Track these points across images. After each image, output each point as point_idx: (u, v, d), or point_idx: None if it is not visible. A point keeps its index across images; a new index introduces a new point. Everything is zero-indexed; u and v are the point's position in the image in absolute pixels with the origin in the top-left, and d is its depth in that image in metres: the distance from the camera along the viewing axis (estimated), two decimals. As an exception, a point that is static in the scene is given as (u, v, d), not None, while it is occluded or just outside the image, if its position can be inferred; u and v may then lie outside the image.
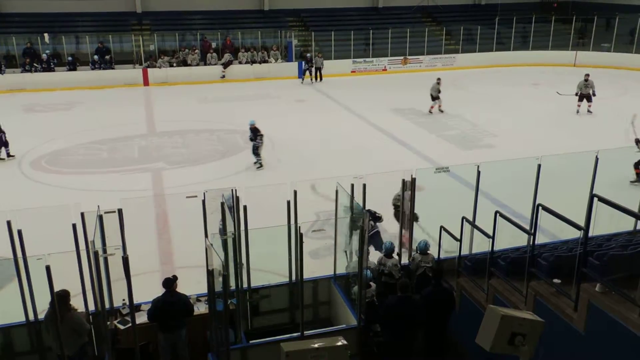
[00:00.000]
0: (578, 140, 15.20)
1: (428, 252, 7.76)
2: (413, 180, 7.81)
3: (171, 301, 6.43)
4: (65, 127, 17.68)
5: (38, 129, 17.58)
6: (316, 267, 8.34)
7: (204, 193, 7.01)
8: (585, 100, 18.81)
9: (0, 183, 13.38)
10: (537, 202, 6.72)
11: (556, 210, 5.93)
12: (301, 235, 6.51)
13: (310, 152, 15.40)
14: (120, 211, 6.60)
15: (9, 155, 14.97)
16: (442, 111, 19.47)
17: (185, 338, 6.63)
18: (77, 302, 6.47)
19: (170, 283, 6.51)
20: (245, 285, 7.47)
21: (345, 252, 7.91)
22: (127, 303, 6.41)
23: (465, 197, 10.07)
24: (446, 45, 29.21)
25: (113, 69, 24.84)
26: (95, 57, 24.59)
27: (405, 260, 8.12)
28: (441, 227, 7.85)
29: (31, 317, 6.67)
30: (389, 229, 9.97)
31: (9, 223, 6.35)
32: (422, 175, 8.03)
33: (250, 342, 6.60)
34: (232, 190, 7.40)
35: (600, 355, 5.23)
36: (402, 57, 27.87)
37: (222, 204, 7.07)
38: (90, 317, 6.61)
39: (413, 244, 8.13)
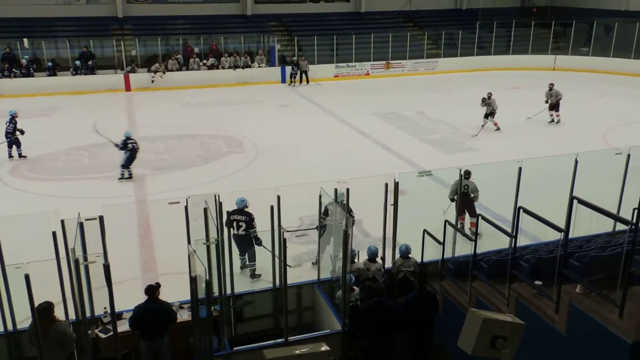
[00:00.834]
0: (557, 143, 15.40)
1: (409, 256, 7.79)
2: (396, 185, 7.84)
3: (153, 308, 6.36)
4: (45, 133, 17.44)
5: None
6: (300, 272, 8.34)
7: (187, 199, 6.96)
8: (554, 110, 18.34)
9: (-22, 191, 13.16)
10: (518, 205, 6.80)
11: (537, 213, 6.00)
12: (285, 240, 6.51)
13: (293, 156, 15.39)
14: (101, 218, 6.52)
15: (20, 155, 15.13)
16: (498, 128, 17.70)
17: (168, 346, 6.57)
18: (57, 311, 6.38)
19: (152, 290, 6.44)
20: (228, 291, 7.43)
21: (330, 256, 7.93)
22: (109, 311, 6.33)
23: (447, 201, 10.17)
24: (428, 50, 29.43)
25: (94, 74, 24.61)
26: (78, 62, 24.33)
27: (388, 264, 8.14)
28: (424, 230, 7.89)
29: (10, 327, 6.56)
30: (373, 233, 9.98)
31: (-13, 231, 6.25)
32: (405, 179, 8.07)
33: (234, 348, 6.57)
34: (215, 195, 7.37)
35: (581, 356, 5.28)
36: (384, 62, 28.02)
37: (205, 209, 7.03)
38: (71, 326, 6.51)
39: (396, 247, 8.16)
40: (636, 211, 4.68)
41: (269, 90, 24.87)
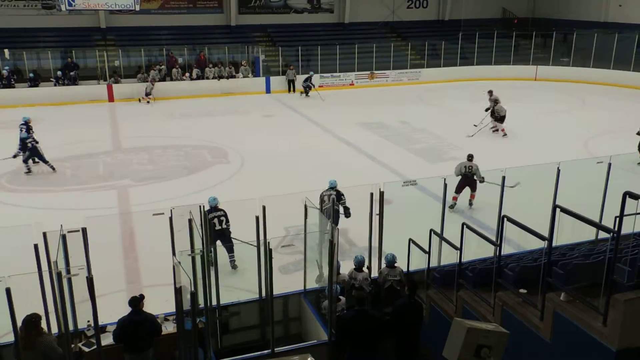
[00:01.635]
0: (540, 153, 15.57)
1: (395, 265, 7.81)
2: (381, 194, 7.88)
3: (137, 320, 6.29)
4: (26, 145, 17.23)
5: (-2, 147, 17.12)
6: (286, 283, 8.31)
7: (171, 210, 6.92)
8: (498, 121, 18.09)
9: (-42, 203, 12.94)
10: (502, 214, 6.86)
11: (521, 221, 6.06)
12: (270, 250, 6.49)
13: (278, 167, 15.38)
14: (84, 230, 6.45)
15: (34, 161, 15.18)
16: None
17: (153, 358, 6.49)
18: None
19: (136, 302, 6.36)
20: (214, 303, 7.38)
21: (317, 261, 7.91)
22: (92, 324, 6.24)
23: (433, 210, 10.22)
24: (411, 60, 29.68)
25: (77, 84, 24.41)
26: (59, 72, 24.14)
27: (374, 273, 8.14)
28: (410, 239, 7.92)
29: (-9, 341, 6.44)
30: (359, 242, 10.00)
31: (-33, 244, 6.15)
32: (390, 189, 8.11)
33: (220, 360, 6.51)
34: (200, 206, 7.33)
35: (566, 363, 5.32)
36: (369, 72, 28.19)
37: (190, 220, 6.99)
38: (57, 340, 6.41)
39: (382, 257, 8.17)
40: (617, 219, 4.74)
41: (253, 100, 24.88)
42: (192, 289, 5.63)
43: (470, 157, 12.32)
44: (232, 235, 9.35)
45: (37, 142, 14.89)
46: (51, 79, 24.24)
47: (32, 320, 5.64)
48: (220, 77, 26.13)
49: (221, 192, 13.31)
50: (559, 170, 8.28)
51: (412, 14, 33.18)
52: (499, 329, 3.62)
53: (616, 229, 4.74)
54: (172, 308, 6.46)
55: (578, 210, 5.45)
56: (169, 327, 6.90)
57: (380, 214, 7.98)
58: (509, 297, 6.02)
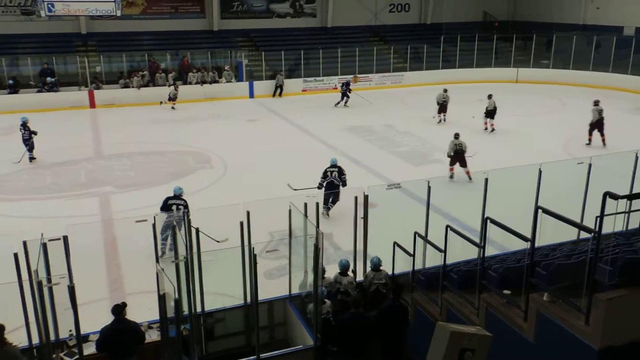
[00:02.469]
0: (521, 154, 15.72)
1: (381, 268, 7.82)
2: (366, 198, 7.89)
3: (120, 329, 6.20)
4: (6, 153, 16.99)
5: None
6: (271, 288, 8.28)
7: (154, 217, 6.86)
8: (443, 112, 20.71)
9: None
10: (485, 215, 6.90)
11: (504, 222, 6.10)
12: (255, 256, 6.45)
13: (263, 171, 15.33)
14: (65, 238, 6.36)
15: (31, 158, 16.11)
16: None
17: (137, 367, 6.42)
18: (20, 336, 6.18)
19: (119, 310, 6.28)
20: (198, 309, 7.32)
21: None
22: (74, 334, 6.16)
23: (417, 212, 10.25)
24: (394, 64, 29.83)
25: (57, 91, 24.14)
26: (49, 79, 23.83)
27: (359, 277, 8.15)
28: (394, 242, 7.94)
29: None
30: (344, 246, 10.00)
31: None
32: (375, 192, 8.13)
33: (205, 367, 6.46)
34: (183, 213, 7.29)
35: (550, 363, 5.36)
36: (352, 76, 28.27)
37: (174, 227, 6.94)
38: (35, 350, 6.30)
39: (367, 260, 8.18)
40: (598, 219, 4.79)
41: (237, 105, 24.80)
42: (176, 296, 5.58)
43: (457, 135, 14.40)
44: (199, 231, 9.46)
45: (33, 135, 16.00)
46: (31, 83, 23.93)
47: None
48: (203, 82, 26.01)
49: (205, 197, 13.28)
50: (540, 172, 8.36)
51: (394, 18, 33.38)
52: (481, 332, 3.65)
53: (597, 229, 4.79)
54: (155, 315, 6.40)
55: (560, 210, 5.50)
56: (152, 335, 6.83)
57: (365, 218, 7.99)
58: (493, 298, 6.05)
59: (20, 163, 15.93)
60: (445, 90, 20.88)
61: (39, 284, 5.46)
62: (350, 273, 7.95)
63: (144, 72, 25.49)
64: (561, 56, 29.26)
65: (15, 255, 6.08)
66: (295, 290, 7.86)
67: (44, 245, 6.13)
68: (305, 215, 7.34)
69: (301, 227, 7.59)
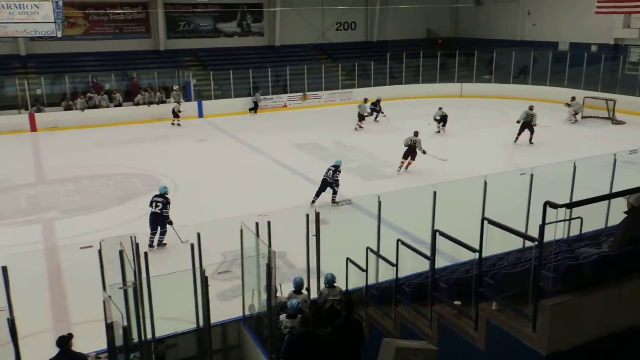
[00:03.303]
0: (467, 167, 16.13)
1: (335, 284, 7.82)
2: (317, 215, 7.89)
3: (66, 361, 5.97)
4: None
5: None
6: (225, 310, 8.14)
7: (100, 242, 6.65)
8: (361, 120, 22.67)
9: None
10: (435, 228, 7.02)
11: (453, 234, 6.22)
12: (206, 278, 6.34)
13: (213, 191, 15.15)
14: (4, 269, 6.07)
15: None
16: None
17: (85, 400, 6.16)
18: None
19: (64, 341, 6.04)
20: (149, 336, 7.11)
21: (253, 290, 7.80)
22: (16, 369, 5.86)
23: (368, 228, 10.34)
24: (343, 81, 30.23)
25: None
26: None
27: (314, 294, 8.12)
28: (347, 258, 7.97)
29: None
30: (297, 264, 9.97)
31: None
32: (326, 209, 8.18)
33: (158, 396, 6.26)
34: (131, 237, 7.09)
35: (501, 371, 5.46)
36: (301, 94, 28.47)
37: (121, 252, 6.74)
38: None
39: (321, 277, 8.17)
40: (540, 228, 4.95)
41: (185, 125, 24.48)
42: (125, 323, 5.42)
43: (415, 133, 16.67)
44: (169, 223, 11.43)
45: None
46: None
47: None
48: (150, 102, 25.58)
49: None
50: (485, 183, 8.59)
51: (341, 36, 33.93)
52: (427, 346, 3.70)
53: (539, 237, 4.94)
54: (104, 345, 6.17)
55: (506, 220, 5.66)
56: (101, 366, 6.59)
57: (317, 235, 7.99)
58: (445, 309, 6.13)
59: None
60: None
61: (-24, 318, 5.19)
62: (304, 291, 7.91)
63: (92, 95, 24.85)
64: (502, 71, 30.41)
65: (-50, 289, 5.77)
66: (249, 311, 7.76)
67: (-18, 277, 5.84)
68: (257, 234, 7.28)
69: (253, 247, 7.52)
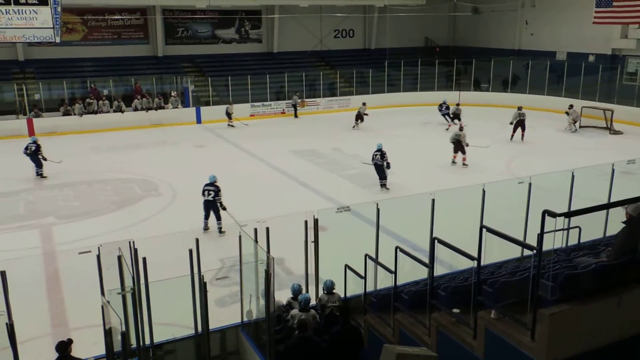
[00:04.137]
0: (465, 175, 16.20)
1: (334, 291, 7.82)
2: (315, 221, 7.91)
3: (65, 367, 5.96)
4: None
5: None
6: (223, 316, 8.13)
7: (98, 247, 6.65)
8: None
9: None
10: (433, 236, 7.04)
11: (452, 242, 6.25)
12: (205, 284, 6.35)
13: (211, 197, 15.12)
14: (3, 273, 6.07)
15: (40, 175, 16.99)
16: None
17: (83, 406, 6.14)
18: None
19: (64, 347, 6.04)
20: (147, 341, 7.10)
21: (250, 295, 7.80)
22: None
23: (367, 235, 10.36)
24: (341, 88, 30.31)
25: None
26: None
27: (313, 301, 8.11)
28: (346, 265, 7.97)
29: None
30: (295, 270, 9.97)
31: None
32: (325, 216, 8.16)
33: (156, 402, 6.24)
34: (129, 242, 7.09)
35: (500, 379, 5.47)
36: (299, 100, 28.52)
37: (120, 257, 6.74)
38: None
39: (320, 284, 8.17)
40: (538, 236, 4.98)
41: (184, 131, 24.51)
42: (123, 329, 5.41)
43: (461, 128, 18.69)
44: (223, 209, 12.44)
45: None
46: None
47: None
48: (148, 108, 25.60)
49: (153, 226, 12.99)
50: (484, 192, 8.62)
51: (340, 44, 34.05)
52: (427, 352, 3.71)
53: (538, 246, 4.97)
54: (102, 350, 6.15)
55: (504, 228, 5.69)
56: (99, 372, 6.56)
57: (316, 241, 8.01)
58: (444, 317, 6.15)
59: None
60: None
61: (-25, 323, 5.18)
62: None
63: (92, 101, 24.86)
64: (499, 80, 30.54)
65: (-51, 294, 5.76)
66: (247, 317, 7.75)
67: (-20, 282, 5.84)
68: (256, 240, 7.29)
69: (252, 253, 7.53)
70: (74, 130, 23.74)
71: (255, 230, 7.44)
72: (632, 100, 25.12)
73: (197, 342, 7.46)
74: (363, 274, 7.68)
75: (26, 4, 20.88)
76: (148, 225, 13.13)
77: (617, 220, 6.04)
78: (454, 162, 18.11)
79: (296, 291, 7.83)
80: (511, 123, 21.60)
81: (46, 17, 21.15)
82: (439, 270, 7.51)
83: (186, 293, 7.41)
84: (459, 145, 17.81)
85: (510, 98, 29.05)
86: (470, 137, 18.51)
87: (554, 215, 4.80)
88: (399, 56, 31.60)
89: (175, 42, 30.15)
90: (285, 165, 18.36)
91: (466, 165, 17.84)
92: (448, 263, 8.41)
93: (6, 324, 5.13)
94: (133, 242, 7.16)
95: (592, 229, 8.65)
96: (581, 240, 8.11)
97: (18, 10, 20.87)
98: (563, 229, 6.06)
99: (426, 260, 6.95)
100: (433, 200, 8.41)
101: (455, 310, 6.04)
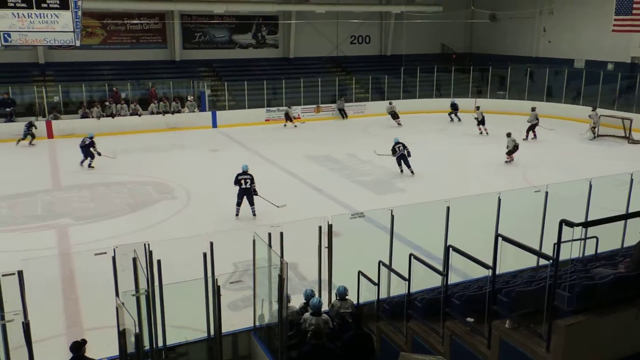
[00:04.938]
0: (480, 183, 16.07)
1: (347, 297, 7.80)
2: (329, 227, 7.90)
3: (79, 368, 6.00)
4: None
5: None
6: (235, 320, 8.14)
7: (114, 249, 6.70)
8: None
9: None
10: (447, 244, 7.00)
11: (466, 250, 6.20)
12: (218, 287, 6.36)
13: (226, 202, 15.16)
14: (20, 273, 6.14)
15: (89, 165, 18.57)
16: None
17: (95, 407, 6.18)
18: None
19: (78, 347, 6.08)
20: (160, 344, 7.13)
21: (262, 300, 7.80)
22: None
23: (381, 241, 10.32)
24: (356, 94, 30.30)
25: (14, 121, 23.53)
26: (8, 109, 23.25)
27: (325, 306, 8.09)
28: (359, 272, 7.95)
29: None
30: (308, 276, 9.95)
31: None
32: (339, 222, 8.15)
33: (167, 405, 6.27)
34: (144, 244, 7.13)
35: (514, 390, 5.40)
36: (315, 106, 28.56)
37: (135, 259, 6.79)
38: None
39: (332, 289, 8.15)
40: (555, 246, 4.92)
41: (200, 135, 24.68)
42: (137, 331, 5.43)
43: (508, 134, 19.58)
44: (255, 194, 13.73)
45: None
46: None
47: None
48: (165, 112, 25.82)
49: (167, 229, 13.08)
50: (499, 200, 8.55)
51: (356, 49, 34.07)
52: (441, 360, 3.68)
53: (555, 255, 4.91)
54: (115, 352, 6.19)
55: (520, 237, 5.63)
56: (112, 373, 6.60)
57: (329, 247, 7.99)
58: (457, 326, 6.10)
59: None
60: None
61: (-8, 321, 5.25)
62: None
63: (111, 105, 25.15)
64: (516, 87, 30.30)
65: (-33, 292, 5.84)
66: (260, 321, 7.75)
67: (-2, 281, 5.91)
68: (270, 245, 7.29)
69: (265, 258, 7.54)
70: (91, 132, 23.93)
71: (269, 234, 7.45)
72: (651, 110, 24.79)
73: (209, 345, 7.48)
74: (376, 281, 7.65)
75: (48, 8, 21.19)
76: (163, 227, 13.23)
77: (635, 231, 5.96)
78: (509, 162, 19.15)
79: (309, 297, 7.81)
80: (529, 121, 22.96)
81: (67, 21, 21.39)
82: (453, 278, 7.47)
83: (199, 296, 7.44)
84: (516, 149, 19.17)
85: (528, 105, 28.78)
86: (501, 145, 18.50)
87: (571, 225, 4.74)
88: (415, 62, 31.53)
89: (193, 46, 30.41)
90: (300, 170, 18.38)
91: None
92: (462, 271, 8.36)
93: (22, 323, 5.19)
94: (148, 244, 7.21)
95: (609, 239, 8.55)
96: (598, 251, 8.01)
97: (40, 14, 21.14)
98: (580, 239, 5.99)
99: (440, 268, 6.90)
100: (448, 208, 8.36)
101: (470, 319, 5.99)
